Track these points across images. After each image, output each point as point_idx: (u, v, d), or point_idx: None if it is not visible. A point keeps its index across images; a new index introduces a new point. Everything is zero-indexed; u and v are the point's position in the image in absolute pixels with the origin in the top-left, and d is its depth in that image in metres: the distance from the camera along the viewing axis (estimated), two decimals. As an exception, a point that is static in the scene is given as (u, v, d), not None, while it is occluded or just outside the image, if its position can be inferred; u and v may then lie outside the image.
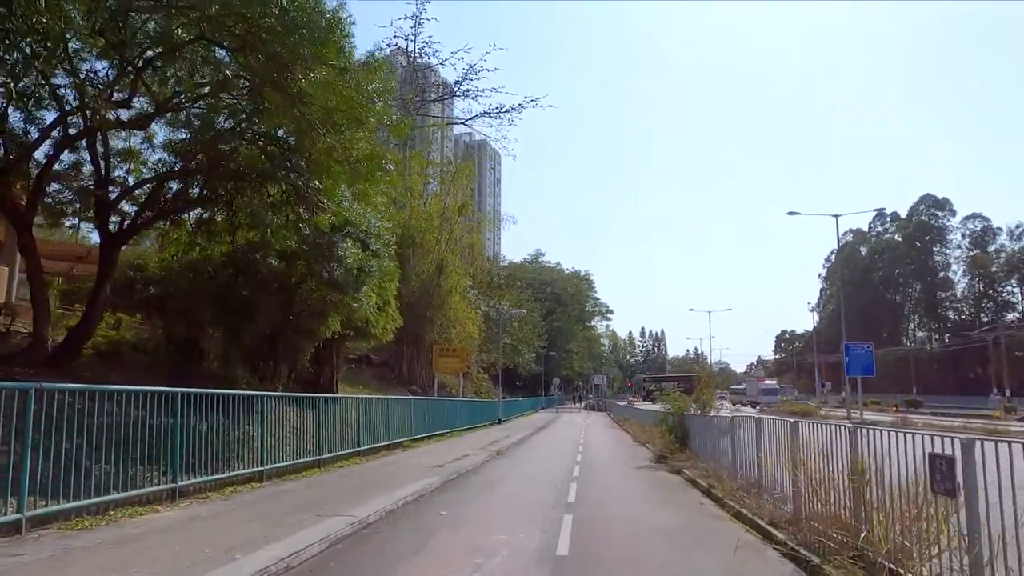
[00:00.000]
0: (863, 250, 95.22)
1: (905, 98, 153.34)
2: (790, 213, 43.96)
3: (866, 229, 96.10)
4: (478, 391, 44.98)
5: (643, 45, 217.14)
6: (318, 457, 13.06)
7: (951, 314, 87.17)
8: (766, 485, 8.96)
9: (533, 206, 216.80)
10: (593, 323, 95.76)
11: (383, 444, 17.31)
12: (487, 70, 48.75)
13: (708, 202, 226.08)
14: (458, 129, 64.05)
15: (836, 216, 41.87)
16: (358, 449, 15.41)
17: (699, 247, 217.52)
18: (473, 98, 44.17)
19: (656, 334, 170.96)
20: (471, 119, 45.36)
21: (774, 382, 68.59)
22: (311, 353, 19.10)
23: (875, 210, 50.97)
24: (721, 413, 15.57)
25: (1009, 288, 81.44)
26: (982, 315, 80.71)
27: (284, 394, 12.06)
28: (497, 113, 43.40)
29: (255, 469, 10.69)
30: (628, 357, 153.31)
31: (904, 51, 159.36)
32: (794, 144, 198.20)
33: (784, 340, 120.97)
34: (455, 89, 44.71)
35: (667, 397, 17.12)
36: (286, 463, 11.68)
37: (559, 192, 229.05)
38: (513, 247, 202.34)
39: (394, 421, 18.66)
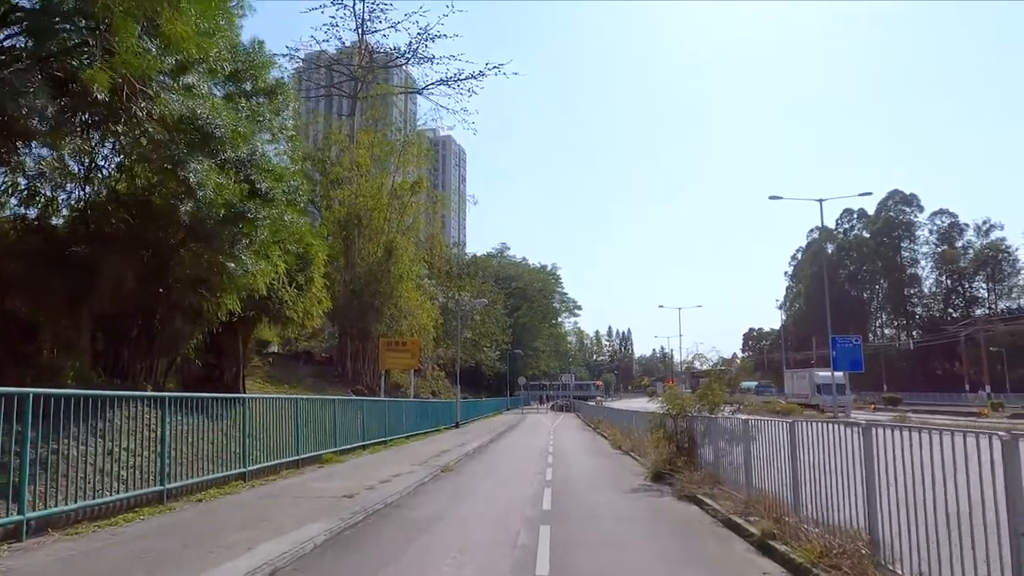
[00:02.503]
0: (830, 247, 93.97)
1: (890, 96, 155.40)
2: (771, 197, 41.16)
3: (833, 226, 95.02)
4: (435, 391, 40.50)
5: (635, 46, 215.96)
6: (161, 488, 8.66)
7: (919, 310, 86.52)
8: (885, 542, 5.06)
9: (502, 203, 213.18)
10: (560, 320, 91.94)
11: (290, 460, 12.95)
12: (445, 35, 43.93)
13: (684, 200, 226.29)
14: (421, 121, 59.38)
15: (820, 201, 39.00)
16: (244, 470, 11.03)
17: (670, 245, 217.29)
18: (429, 61, 39.92)
19: (623, 333, 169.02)
20: (427, 87, 41.13)
21: (840, 374, 44.03)
22: (203, 341, 14.83)
23: (861, 194, 48.17)
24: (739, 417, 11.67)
25: (977, 283, 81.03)
26: (951, 311, 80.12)
27: (74, 392, 7.55)
28: (455, 81, 39.27)
29: (10, 519, 6.29)
30: (595, 356, 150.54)
31: (897, 50, 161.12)
32: (778, 143, 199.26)
33: (752, 338, 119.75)
34: (407, 54, 40.30)
35: (664, 394, 13.16)
36: (81, 504, 7.24)
37: (526, 186, 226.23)
38: (480, 246, 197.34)
39: (310, 429, 14.30)
